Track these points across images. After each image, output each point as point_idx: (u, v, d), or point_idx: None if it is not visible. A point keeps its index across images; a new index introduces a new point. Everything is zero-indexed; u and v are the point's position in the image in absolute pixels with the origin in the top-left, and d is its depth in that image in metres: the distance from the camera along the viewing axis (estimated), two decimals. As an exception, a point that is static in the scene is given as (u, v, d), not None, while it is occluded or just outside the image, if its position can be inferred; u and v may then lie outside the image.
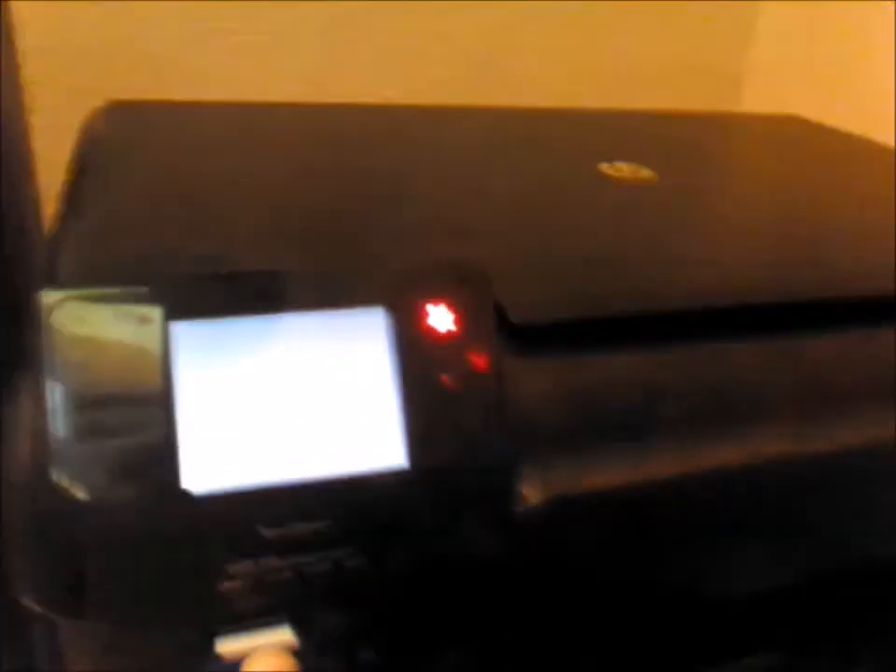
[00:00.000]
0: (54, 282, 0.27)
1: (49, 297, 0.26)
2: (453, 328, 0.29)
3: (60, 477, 0.25)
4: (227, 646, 0.27)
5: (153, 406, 0.26)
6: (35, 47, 0.65)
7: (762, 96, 0.90)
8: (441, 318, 0.29)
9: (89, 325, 0.26)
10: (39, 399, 0.25)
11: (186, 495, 0.25)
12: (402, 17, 0.77)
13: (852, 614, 0.43)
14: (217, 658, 0.27)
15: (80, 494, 0.25)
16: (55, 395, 0.25)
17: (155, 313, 0.26)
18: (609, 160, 0.50)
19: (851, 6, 0.78)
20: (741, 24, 0.90)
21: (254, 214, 0.36)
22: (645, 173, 0.48)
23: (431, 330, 0.29)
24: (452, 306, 0.29)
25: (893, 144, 0.63)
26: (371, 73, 0.78)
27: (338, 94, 0.77)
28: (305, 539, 0.27)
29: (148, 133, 0.47)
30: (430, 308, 0.29)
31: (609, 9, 0.84)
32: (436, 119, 0.59)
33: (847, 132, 0.66)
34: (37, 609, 0.26)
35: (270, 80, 0.75)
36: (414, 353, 0.28)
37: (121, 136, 0.45)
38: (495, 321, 0.30)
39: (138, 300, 0.26)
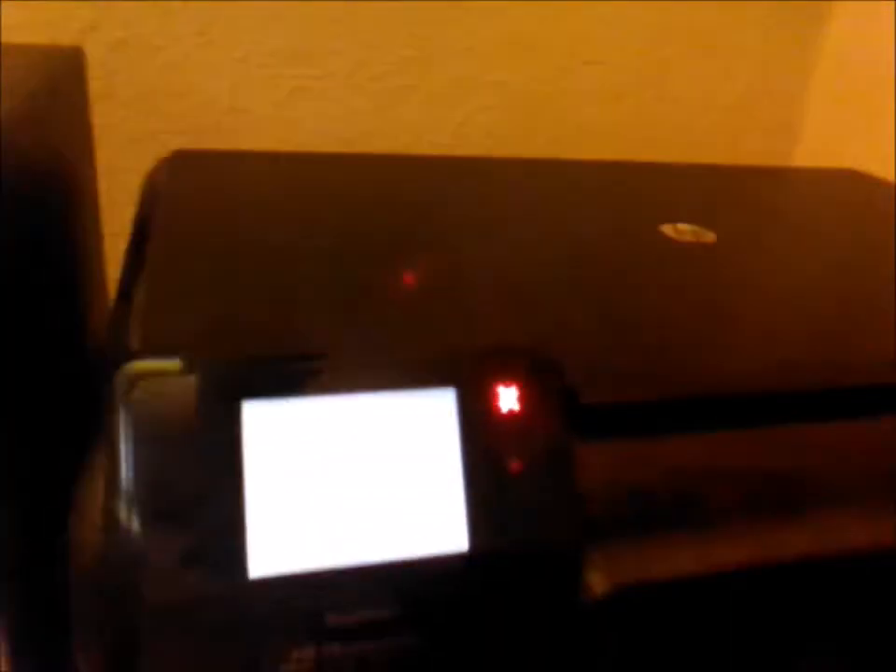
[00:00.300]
0: (126, 355, 0.27)
1: (122, 371, 0.26)
2: (520, 410, 0.28)
3: (126, 554, 0.25)
4: (285, 732, 0.26)
5: (221, 486, 0.25)
6: (103, 92, 0.67)
7: (817, 147, 0.89)
8: (509, 400, 0.28)
9: (160, 400, 0.26)
10: (107, 476, 0.25)
11: (250, 579, 0.25)
12: (456, 64, 0.78)
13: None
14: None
15: (146, 573, 0.25)
16: (123, 469, 0.25)
17: (227, 390, 0.26)
18: (670, 219, 0.49)
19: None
20: (799, 72, 0.89)
21: (320, 280, 0.36)
22: (707, 235, 0.48)
23: (499, 412, 0.28)
24: (520, 388, 0.28)
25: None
26: (424, 119, 0.79)
27: (392, 139, 0.78)
28: (367, 625, 0.26)
29: (213, 187, 0.47)
30: (499, 390, 0.28)
31: (664, 60, 0.84)
32: (491, 172, 0.59)
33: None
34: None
35: (324, 125, 0.76)
36: (482, 435, 0.28)
37: (186, 191, 0.46)
38: (565, 403, 0.29)
39: (209, 376, 0.26)
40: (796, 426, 0.34)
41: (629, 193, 0.57)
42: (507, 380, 0.28)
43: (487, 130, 0.81)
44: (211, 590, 0.25)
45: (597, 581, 0.29)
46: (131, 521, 0.25)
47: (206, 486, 0.25)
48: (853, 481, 0.34)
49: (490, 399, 0.28)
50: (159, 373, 0.26)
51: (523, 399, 0.28)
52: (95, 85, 0.66)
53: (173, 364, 0.26)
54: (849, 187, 0.67)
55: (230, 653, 0.26)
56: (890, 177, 0.68)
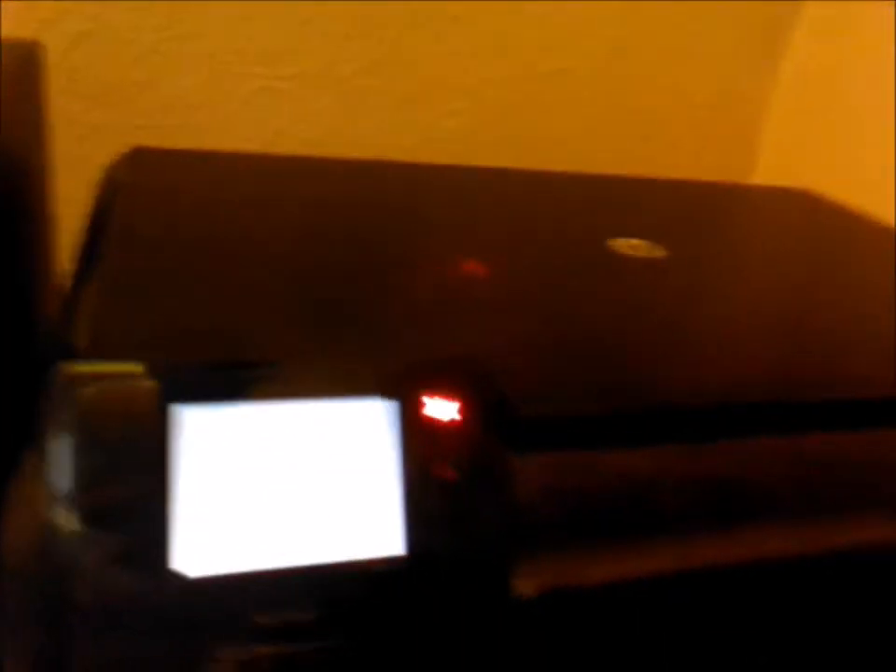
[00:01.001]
0: (71, 355, 0.27)
1: (64, 371, 0.26)
2: (455, 419, 0.29)
3: (55, 553, 0.25)
4: (213, 729, 0.27)
5: (154, 488, 0.26)
6: (64, 86, 0.67)
7: (775, 164, 0.91)
8: (443, 410, 0.29)
9: (100, 402, 0.26)
10: (43, 476, 0.25)
11: (178, 578, 0.26)
12: (425, 68, 0.78)
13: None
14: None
15: (75, 572, 0.25)
16: (58, 469, 0.26)
17: (162, 394, 0.26)
18: (620, 233, 0.50)
19: (871, 79, 0.79)
20: (759, 90, 0.91)
21: (268, 288, 0.36)
22: (657, 251, 0.49)
23: (434, 421, 0.29)
24: (455, 398, 0.29)
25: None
26: (392, 123, 0.79)
27: (358, 140, 0.78)
28: (296, 626, 0.27)
29: (170, 185, 0.48)
30: (433, 399, 0.29)
31: (627, 73, 0.85)
32: (451, 180, 0.59)
33: (853, 208, 0.67)
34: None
35: (290, 126, 0.76)
36: (416, 443, 0.29)
37: (143, 189, 0.46)
38: (499, 414, 0.30)
39: (148, 380, 0.27)
40: (729, 439, 0.35)
41: (583, 206, 0.58)
42: (444, 391, 0.29)
43: (455, 134, 0.81)
44: (141, 590, 0.25)
45: (526, 586, 0.29)
46: (63, 521, 0.25)
47: (140, 488, 0.26)
48: (783, 492, 0.36)
49: (424, 407, 0.29)
50: (99, 376, 0.26)
51: (459, 409, 0.29)
52: (58, 78, 0.65)
53: (115, 367, 0.27)
54: (800, 207, 0.69)
55: (158, 653, 0.26)
56: (849, 194, 0.70)
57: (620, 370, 0.35)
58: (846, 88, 0.82)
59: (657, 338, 0.39)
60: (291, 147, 0.75)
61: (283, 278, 0.37)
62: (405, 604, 0.28)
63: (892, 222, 0.64)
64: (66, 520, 0.25)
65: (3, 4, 0.62)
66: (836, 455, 0.37)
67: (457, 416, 0.29)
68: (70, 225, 0.60)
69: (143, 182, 0.47)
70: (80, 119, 0.69)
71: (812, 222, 0.65)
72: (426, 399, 0.29)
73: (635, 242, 0.50)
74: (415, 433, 0.28)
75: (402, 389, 0.29)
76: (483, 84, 0.81)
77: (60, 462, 0.25)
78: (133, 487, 0.26)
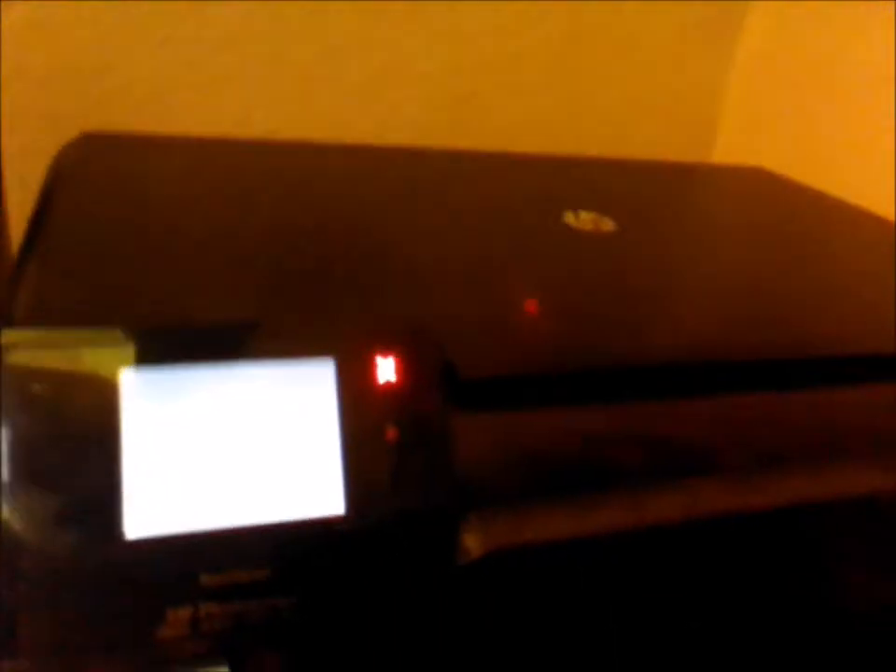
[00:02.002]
0: (9, 323, 0.27)
1: (3, 338, 0.26)
2: (399, 380, 0.30)
3: (2, 516, 0.25)
4: (163, 691, 0.27)
5: (99, 451, 0.26)
6: (15, 71, 0.66)
7: (734, 146, 0.93)
8: (388, 371, 0.29)
9: (40, 367, 0.26)
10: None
11: (126, 539, 0.26)
12: (382, 53, 0.78)
13: (799, 662, 0.44)
14: (153, 703, 0.27)
15: (22, 534, 0.25)
16: (3, 434, 0.26)
17: (105, 359, 0.27)
18: (575, 209, 0.51)
19: (828, 59, 0.80)
20: (717, 73, 0.92)
21: (213, 259, 0.36)
22: (607, 224, 0.50)
23: (378, 383, 0.29)
24: (399, 359, 0.30)
25: (854, 197, 0.65)
26: (348, 108, 0.79)
27: (315, 127, 0.78)
28: (244, 585, 0.27)
29: (119, 167, 0.47)
30: (378, 360, 0.29)
31: (583, 57, 0.86)
32: (407, 162, 0.60)
33: (808, 185, 0.68)
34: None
35: (246, 113, 0.75)
36: (360, 404, 0.29)
37: (91, 171, 0.46)
38: (442, 375, 0.30)
39: (90, 345, 0.27)
40: (670, 399, 0.36)
41: (539, 184, 0.59)
42: (385, 351, 0.29)
43: (411, 121, 0.82)
44: (87, 551, 0.25)
45: (472, 544, 0.30)
46: (3, 486, 0.25)
47: (83, 451, 0.26)
48: (726, 450, 0.37)
49: (368, 369, 0.29)
50: (35, 342, 0.26)
51: (400, 369, 0.29)
52: (7, 65, 0.65)
53: (50, 334, 0.27)
54: (754, 183, 0.70)
55: (107, 616, 0.26)
56: (806, 172, 0.71)
57: (565, 331, 0.36)
58: (801, 69, 0.83)
59: (603, 302, 0.40)
60: (249, 135, 0.75)
61: (226, 251, 0.37)
62: (348, 562, 0.28)
63: (846, 197, 0.65)
64: (4, 482, 0.25)
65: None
66: (778, 413, 0.38)
67: (398, 377, 0.29)
68: (25, 213, 0.59)
69: (91, 165, 0.47)
70: (32, 107, 0.68)
71: (765, 197, 0.66)
72: (368, 360, 0.29)
73: (589, 216, 0.50)
74: (356, 393, 0.29)
75: (344, 350, 0.29)
76: (440, 70, 0.81)
77: (2, 422, 0.25)
78: (75, 449, 0.26)
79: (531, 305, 0.34)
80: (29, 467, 0.26)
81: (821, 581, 0.41)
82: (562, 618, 0.34)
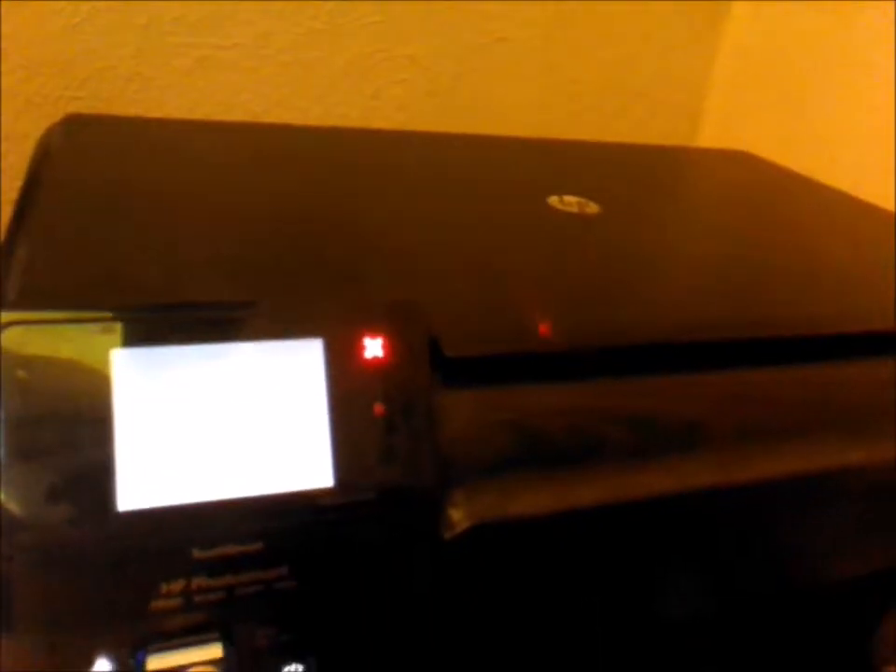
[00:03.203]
0: (1, 304, 0.28)
1: (-6, 319, 0.27)
2: (386, 358, 0.30)
3: (-3, 493, 0.26)
4: (157, 663, 0.28)
5: (91, 427, 0.26)
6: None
7: (719, 130, 0.93)
8: (375, 349, 0.30)
9: (33, 347, 0.27)
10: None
11: (118, 512, 0.26)
12: (368, 37, 0.78)
13: (783, 635, 0.45)
14: (147, 674, 0.28)
15: (16, 509, 0.26)
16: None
17: (97, 338, 0.27)
18: (559, 192, 0.52)
19: (811, 46, 0.81)
20: (702, 58, 0.92)
21: (203, 240, 0.37)
22: (591, 207, 0.50)
23: (366, 360, 0.30)
24: (386, 338, 0.30)
25: (832, 180, 0.66)
26: (334, 92, 0.79)
27: (301, 111, 0.78)
28: (235, 558, 0.28)
29: (105, 150, 0.47)
30: (366, 339, 0.30)
31: (572, 40, 0.86)
32: (394, 144, 0.60)
33: (791, 169, 0.69)
34: (-31, 623, 0.27)
35: (232, 96, 0.75)
36: (349, 381, 0.30)
37: (78, 153, 0.46)
38: (428, 353, 0.31)
39: (81, 325, 0.27)
40: (653, 376, 0.36)
41: (524, 167, 0.59)
42: (372, 329, 0.30)
43: (398, 104, 0.82)
44: (81, 524, 0.26)
45: (457, 518, 0.31)
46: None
47: (76, 427, 0.26)
48: (703, 426, 0.37)
49: (356, 347, 0.30)
50: (28, 321, 0.27)
51: (387, 347, 0.30)
52: (-10, 47, 0.64)
53: (43, 314, 0.27)
54: (738, 166, 0.71)
55: (100, 589, 0.27)
56: (788, 157, 0.72)
57: (548, 310, 0.37)
58: (785, 56, 0.84)
59: (586, 283, 0.41)
60: (234, 118, 0.75)
61: (216, 233, 0.38)
62: (337, 535, 0.29)
63: (827, 181, 0.66)
64: (4, 453, 0.25)
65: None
66: (763, 390, 0.39)
67: (385, 354, 0.30)
68: (11, 199, 0.59)
69: (77, 147, 0.47)
70: (15, 92, 0.68)
71: (749, 179, 0.67)
72: (355, 338, 0.30)
73: (573, 198, 0.51)
74: (345, 370, 0.29)
75: (332, 330, 0.29)
76: (424, 54, 0.81)
77: (-7, 405, 0.26)
78: (67, 425, 0.26)
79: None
80: (22, 443, 0.26)
81: (806, 554, 0.42)
82: (546, 591, 0.35)
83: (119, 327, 0.27)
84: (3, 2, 0.64)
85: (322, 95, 0.79)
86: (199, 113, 0.74)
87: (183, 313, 0.28)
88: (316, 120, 0.79)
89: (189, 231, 0.38)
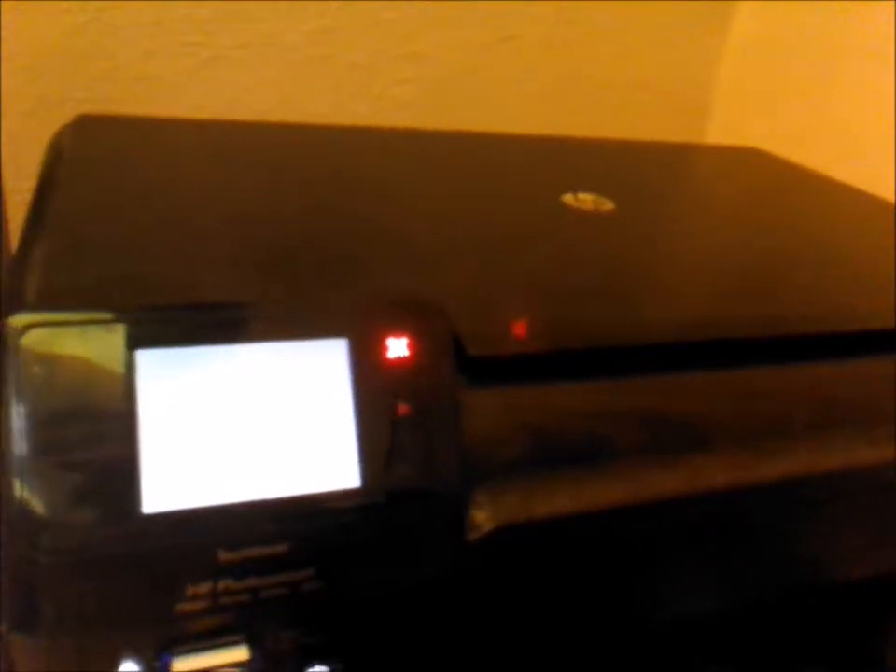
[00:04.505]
0: (21, 306, 0.27)
1: (16, 321, 0.26)
2: (411, 358, 0.30)
3: (21, 494, 0.25)
4: (182, 665, 0.28)
5: (115, 428, 0.26)
6: (7, 56, 0.65)
7: (727, 126, 0.93)
8: (399, 349, 0.30)
9: (55, 349, 0.27)
10: (2, 422, 0.26)
11: (144, 515, 0.26)
12: (374, 36, 0.78)
13: (798, 633, 0.45)
14: (173, 677, 0.27)
15: (41, 511, 0.26)
16: (19, 415, 0.26)
17: (120, 339, 0.27)
18: (572, 190, 0.51)
19: (820, 41, 0.80)
20: (709, 54, 0.92)
21: (220, 239, 0.36)
22: (606, 205, 0.50)
23: (390, 360, 0.30)
24: (410, 337, 0.30)
25: (843, 176, 0.66)
26: (340, 91, 0.79)
27: (308, 110, 0.78)
28: (261, 560, 0.28)
29: (117, 150, 0.47)
30: (390, 339, 0.30)
31: (579, 36, 0.86)
32: (404, 142, 0.60)
33: (800, 165, 0.69)
34: (-6, 627, 0.26)
35: (240, 95, 0.75)
36: (373, 381, 0.29)
37: (90, 153, 0.45)
38: (452, 352, 0.31)
39: (104, 326, 0.27)
40: (674, 375, 0.36)
41: (536, 165, 0.59)
42: (396, 329, 0.30)
43: (404, 102, 0.81)
44: (105, 527, 0.26)
45: (482, 520, 0.30)
46: (22, 465, 0.25)
47: (99, 429, 0.26)
48: (731, 425, 0.37)
49: (380, 347, 0.29)
50: (50, 323, 0.26)
51: (411, 347, 0.30)
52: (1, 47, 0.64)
53: (65, 315, 0.27)
54: (749, 163, 0.71)
55: (126, 590, 0.27)
56: (797, 153, 0.72)
57: (569, 311, 0.36)
58: (794, 51, 0.84)
59: (606, 281, 0.40)
60: (242, 117, 0.75)
61: (232, 231, 0.37)
62: (363, 536, 0.29)
63: (838, 178, 0.66)
64: (24, 463, 0.25)
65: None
66: (779, 388, 0.39)
67: (409, 354, 0.30)
68: (21, 199, 0.59)
69: (89, 147, 0.47)
70: (23, 93, 0.67)
71: (762, 176, 0.67)
72: (380, 338, 0.29)
73: (587, 196, 0.51)
74: (369, 370, 0.29)
75: (356, 330, 0.29)
76: (431, 52, 0.81)
77: (15, 410, 0.26)
78: (91, 428, 0.26)
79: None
80: (46, 446, 0.26)
81: (820, 552, 0.42)
82: (569, 592, 0.35)
83: (141, 327, 0.27)
84: (9, 2, 0.64)
85: (327, 94, 0.79)
86: (207, 112, 0.74)
87: (207, 313, 0.28)
88: (322, 119, 0.78)
89: (205, 230, 0.37)
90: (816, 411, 0.39)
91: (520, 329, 0.33)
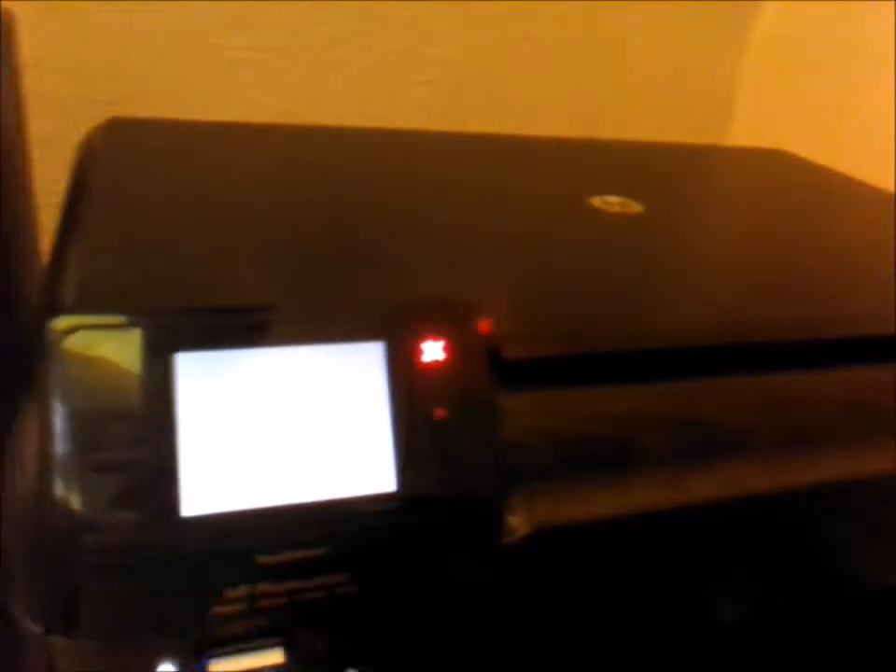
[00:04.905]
0: (62, 310, 0.27)
1: (57, 324, 0.27)
2: (446, 362, 0.30)
3: (62, 496, 0.26)
4: (219, 668, 0.28)
5: (155, 431, 0.26)
6: (34, 59, 0.66)
7: (750, 127, 0.92)
8: (435, 352, 0.30)
9: (95, 352, 0.27)
10: (44, 425, 0.26)
11: (183, 518, 0.26)
12: (395, 37, 0.78)
13: (830, 637, 0.44)
14: (210, 680, 0.27)
15: (81, 514, 0.26)
16: (59, 418, 0.26)
17: (159, 342, 0.27)
18: (599, 192, 0.51)
19: (843, 42, 0.80)
20: (732, 55, 0.91)
21: (254, 241, 0.37)
22: (634, 207, 0.50)
23: (426, 364, 0.30)
24: (446, 341, 0.30)
25: (868, 175, 0.65)
26: (362, 92, 0.79)
27: (330, 110, 0.78)
28: (298, 563, 0.27)
29: (148, 152, 0.47)
30: (426, 342, 0.30)
31: (600, 38, 0.85)
32: (430, 144, 0.60)
33: (825, 166, 0.68)
34: (34, 629, 0.27)
35: (262, 97, 0.75)
36: (409, 385, 0.29)
37: (121, 156, 0.46)
38: (488, 356, 0.31)
39: (143, 329, 0.27)
40: (707, 379, 0.36)
41: (560, 167, 0.59)
42: (433, 333, 0.30)
43: (424, 104, 0.81)
44: (144, 529, 0.26)
45: (517, 523, 0.30)
46: (63, 467, 0.25)
47: (139, 432, 0.26)
48: (764, 429, 0.37)
49: (416, 351, 0.29)
50: (90, 326, 0.27)
51: (447, 350, 0.30)
52: (28, 51, 0.64)
53: (105, 318, 0.27)
54: (775, 165, 0.70)
55: (164, 593, 0.27)
56: (818, 153, 0.71)
57: (602, 314, 0.36)
58: (816, 52, 0.83)
59: (638, 284, 0.40)
60: (263, 119, 0.75)
61: (265, 233, 0.38)
62: (400, 540, 0.29)
63: (863, 178, 0.65)
64: (64, 465, 0.25)
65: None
66: (815, 392, 0.38)
67: (445, 358, 0.30)
68: (49, 201, 0.59)
69: (119, 150, 0.47)
70: (50, 97, 0.68)
71: (789, 178, 0.66)
72: (416, 342, 0.29)
73: (615, 199, 0.50)
74: (406, 374, 0.29)
75: (393, 332, 0.29)
76: (452, 53, 0.81)
77: (56, 412, 0.26)
78: (131, 430, 0.26)
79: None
80: (87, 448, 0.26)
81: (850, 558, 0.42)
82: (603, 595, 0.35)
83: (181, 330, 0.27)
84: (36, 7, 0.65)
85: (349, 95, 0.79)
86: (229, 114, 0.74)
87: (245, 316, 0.28)
88: (343, 121, 0.78)
89: (239, 232, 0.38)
90: (854, 415, 0.38)
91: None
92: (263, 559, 0.27)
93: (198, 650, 0.28)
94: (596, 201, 0.50)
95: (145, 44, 0.70)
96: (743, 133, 0.93)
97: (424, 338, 0.30)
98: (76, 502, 0.26)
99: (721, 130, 0.94)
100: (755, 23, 0.90)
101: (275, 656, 0.28)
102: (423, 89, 0.81)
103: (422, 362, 0.29)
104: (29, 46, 0.65)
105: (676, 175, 0.61)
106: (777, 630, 0.42)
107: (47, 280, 0.33)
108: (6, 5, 0.56)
